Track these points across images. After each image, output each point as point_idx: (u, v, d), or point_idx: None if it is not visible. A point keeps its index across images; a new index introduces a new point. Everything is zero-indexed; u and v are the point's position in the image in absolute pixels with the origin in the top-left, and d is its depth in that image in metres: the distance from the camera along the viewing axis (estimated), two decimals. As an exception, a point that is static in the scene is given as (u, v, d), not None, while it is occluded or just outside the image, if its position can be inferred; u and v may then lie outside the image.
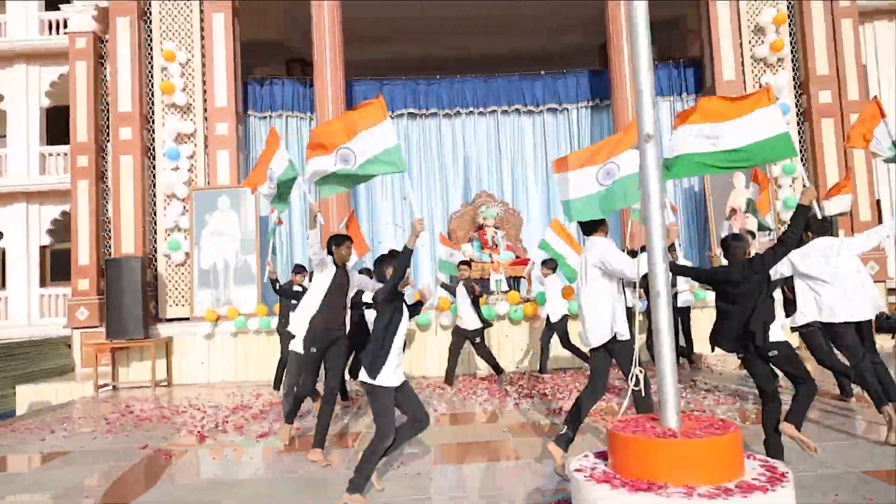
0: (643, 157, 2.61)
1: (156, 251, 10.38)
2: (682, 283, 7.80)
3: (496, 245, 10.04)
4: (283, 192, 5.76)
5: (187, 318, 10.06)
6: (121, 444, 5.69)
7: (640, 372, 3.55)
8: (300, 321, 5.25)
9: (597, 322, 4.02)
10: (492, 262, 9.58)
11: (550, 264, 7.91)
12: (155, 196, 10.45)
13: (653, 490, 2.22)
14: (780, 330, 4.19)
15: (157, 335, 9.82)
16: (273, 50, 12.60)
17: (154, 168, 10.48)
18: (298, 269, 8.14)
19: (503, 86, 11.44)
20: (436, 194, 11.43)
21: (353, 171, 4.53)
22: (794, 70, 10.76)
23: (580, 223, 4.30)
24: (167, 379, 9.63)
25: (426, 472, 4.36)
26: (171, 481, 4.52)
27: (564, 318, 7.75)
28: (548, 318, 7.84)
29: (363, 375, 3.72)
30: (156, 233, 10.42)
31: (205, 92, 10.53)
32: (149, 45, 10.59)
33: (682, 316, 7.99)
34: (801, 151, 10.63)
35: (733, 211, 10.25)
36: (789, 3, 10.85)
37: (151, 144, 10.50)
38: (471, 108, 11.44)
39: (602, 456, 2.73)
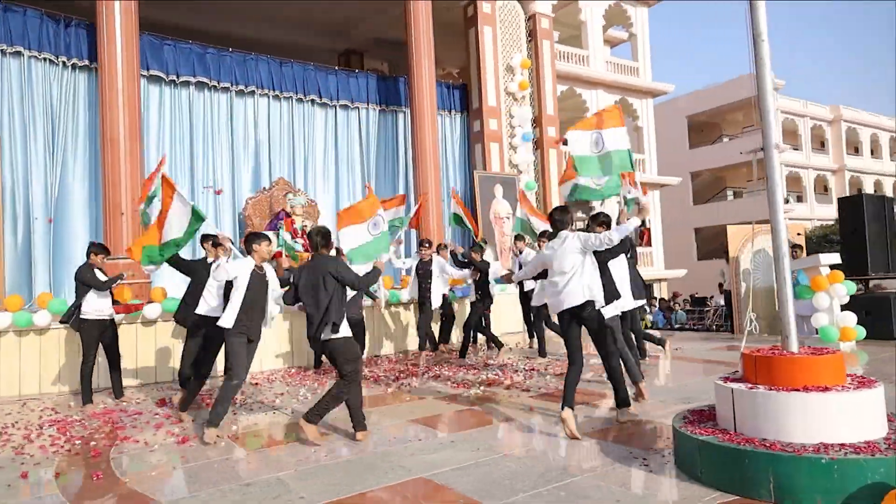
0: (770, 163, 3.65)
1: None
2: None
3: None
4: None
5: None
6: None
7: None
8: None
9: None
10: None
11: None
12: None
13: (830, 390, 3.26)
14: (346, 325, 4.59)
15: None
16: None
17: None
18: (101, 248, 6.67)
19: (299, 73, 11.12)
20: (224, 173, 10.36)
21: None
22: (531, 106, 13.38)
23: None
24: None
25: (459, 439, 4.54)
26: (182, 494, 3.63)
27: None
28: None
29: None
30: None
31: None
32: None
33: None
34: (535, 175, 13.26)
35: (497, 217, 12.20)
36: (529, 53, 13.46)
37: None
38: (265, 90, 10.76)
39: (732, 380, 3.66)
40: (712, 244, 32.62)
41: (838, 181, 39.51)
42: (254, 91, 10.65)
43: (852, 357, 7.64)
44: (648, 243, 23.03)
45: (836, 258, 8.67)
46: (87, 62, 9.18)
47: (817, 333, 10.99)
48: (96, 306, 6.38)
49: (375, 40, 14.78)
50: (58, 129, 9.05)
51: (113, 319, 6.70)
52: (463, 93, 13.11)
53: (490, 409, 5.54)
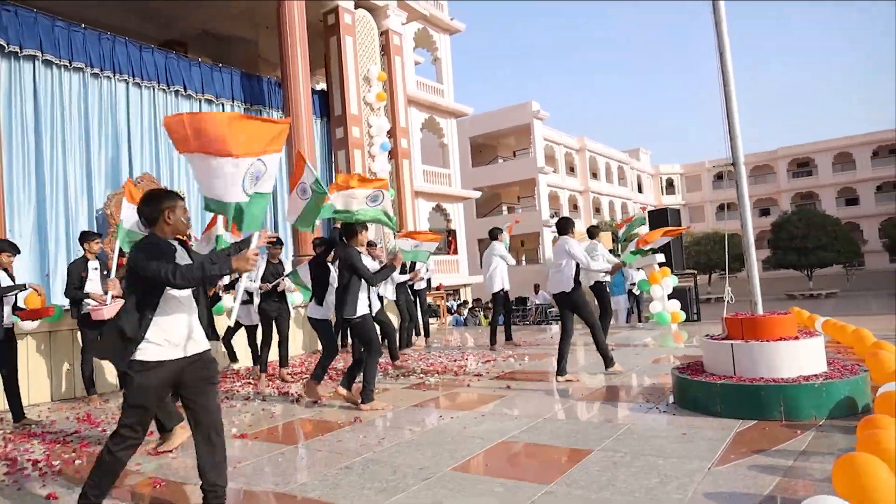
0: (739, 173, 4.86)
1: None
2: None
3: (190, 237, 8.94)
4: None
5: None
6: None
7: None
8: None
9: None
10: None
11: None
12: None
13: (799, 339, 4.53)
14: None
15: None
16: None
17: None
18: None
19: (160, 60, 10.07)
20: (77, 164, 8.91)
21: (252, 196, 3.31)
22: (387, 118, 13.93)
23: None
24: None
25: (487, 413, 4.97)
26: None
27: None
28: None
29: None
30: None
31: None
32: None
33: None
34: (391, 184, 13.81)
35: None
36: (383, 66, 14.02)
37: None
38: (125, 76, 9.54)
39: (718, 339, 4.78)
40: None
41: (585, 200, 46.74)
42: (110, 76, 9.44)
43: (679, 335, 9.67)
44: (455, 252, 24.88)
45: (662, 258, 10.82)
46: None
47: (628, 322, 13.34)
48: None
49: (201, 33, 13.99)
50: None
51: (11, 329, 5.67)
52: (322, 98, 13.12)
53: (470, 391, 6.02)
